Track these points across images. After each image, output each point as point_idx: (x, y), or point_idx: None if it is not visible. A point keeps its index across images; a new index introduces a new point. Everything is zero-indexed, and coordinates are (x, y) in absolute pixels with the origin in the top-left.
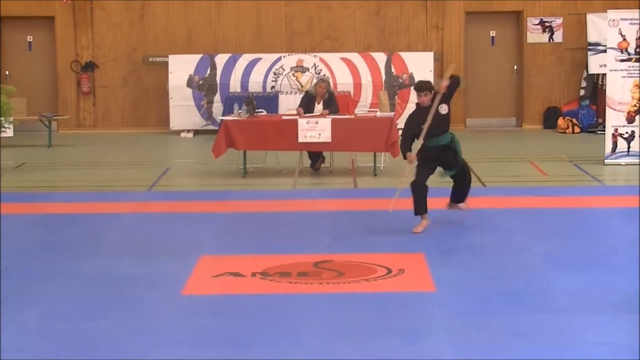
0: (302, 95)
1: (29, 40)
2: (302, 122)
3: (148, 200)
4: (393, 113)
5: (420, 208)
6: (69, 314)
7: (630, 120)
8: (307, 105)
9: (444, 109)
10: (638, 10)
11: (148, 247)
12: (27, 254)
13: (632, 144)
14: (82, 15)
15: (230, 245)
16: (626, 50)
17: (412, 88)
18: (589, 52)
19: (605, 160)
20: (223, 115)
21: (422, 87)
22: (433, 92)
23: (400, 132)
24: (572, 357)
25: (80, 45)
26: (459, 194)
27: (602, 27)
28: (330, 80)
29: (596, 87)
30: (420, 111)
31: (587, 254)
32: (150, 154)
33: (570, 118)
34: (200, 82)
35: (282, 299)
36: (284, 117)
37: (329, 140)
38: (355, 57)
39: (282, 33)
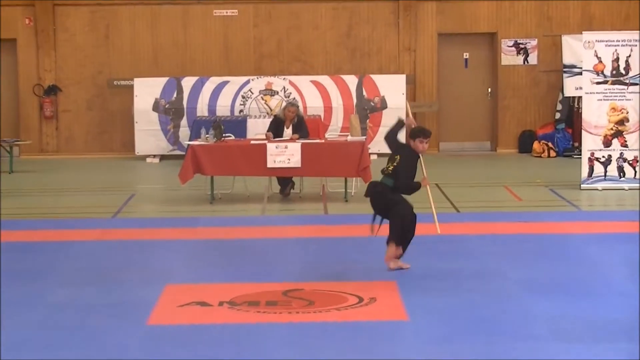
0: (271, 119)
1: None
2: (271, 147)
3: (112, 228)
4: (364, 137)
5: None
6: (31, 345)
7: (607, 144)
8: (276, 129)
9: None
10: (615, 32)
11: (112, 275)
12: None
13: (608, 168)
14: (45, 36)
15: (197, 273)
16: (602, 72)
17: (413, 133)
18: (565, 75)
19: (582, 185)
20: (190, 139)
21: (428, 133)
22: None
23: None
24: None
25: (42, 68)
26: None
27: (577, 48)
28: (300, 104)
29: (572, 110)
30: (414, 159)
31: (564, 280)
32: (115, 179)
33: (545, 142)
34: (167, 106)
35: (250, 329)
36: (252, 142)
37: (299, 165)
38: (326, 80)
39: (250, 55)
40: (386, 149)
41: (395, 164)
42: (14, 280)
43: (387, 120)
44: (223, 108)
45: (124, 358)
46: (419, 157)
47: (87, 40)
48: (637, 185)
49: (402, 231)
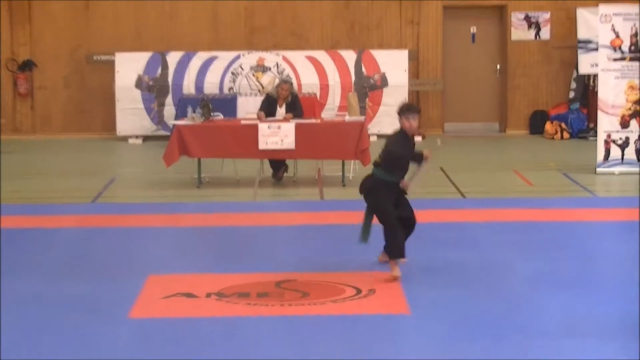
0: (262, 98)
1: None
2: (262, 127)
3: (92, 214)
4: (363, 117)
5: (402, 249)
6: (5, 340)
7: (625, 125)
8: (268, 108)
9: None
10: (633, 4)
11: (92, 265)
12: None
13: (626, 151)
14: (19, 7)
15: (183, 263)
16: (619, 48)
17: (397, 111)
18: (579, 51)
19: (597, 169)
20: (175, 119)
21: (414, 108)
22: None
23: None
24: None
25: (17, 41)
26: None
27: (593, 22)
28: (294, 81)
29: (587, 89)
30: (406, 141)
31: (577, 272)
32: (95, 162)
33: (558, 122)
34: (151, 83)
35: (239, 323)
36: (242, 122)
37: (293, 147)
38: (322, 56)
39: (241, 29)
40: (388, 130)
41: (382, 150)
42: None
43: (388, 99)
44: (211, 85)
45: (103, 355)
46: (410, 137)
47: (64, 11)
48: None
49: (396, 241)
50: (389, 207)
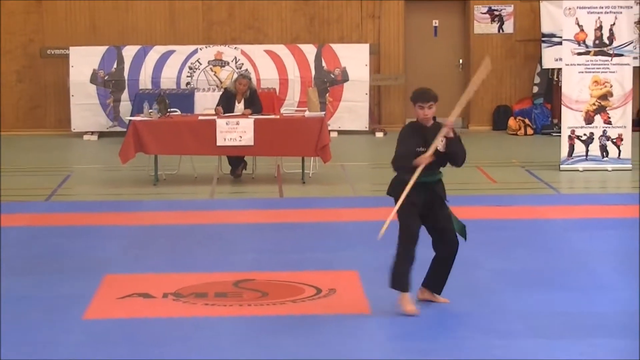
0: (220, 93)
1: None
2: (221, 123)
3: (46, 212)
4: (324, 113)
5: (405, 279)
6: None
7: (589, 120)
8: (226, 104)
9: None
10: None
11: (45, 265)
12: None
13: (590, 147)
14: None
15: (139, 262)
16: (584, 42)
17: (411, 98)
18: (543, 44)
19: (561, 166)
20: (132, 115)
21: (429, 95)
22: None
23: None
24: None
25: None
26: (439, 274)
27: (557, 16)
28: (253, 76)
29: (551, 84)
30: (415, 135)
31: (542, 271)
32: (49, 159)
33: (522, 118)
34: (106, 78)
35: (197, 323)
36: (200, 118)
37: (252, 143)
38: (282, 50)
39: (198, 22)
40: (348, 126)
41: None
42: None
43: (349, 94)
44: (168, 80)
45: (56, 356)
46: (424, 127)
47: (16, 4)
48: (621, 166)
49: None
50: (411, 220)
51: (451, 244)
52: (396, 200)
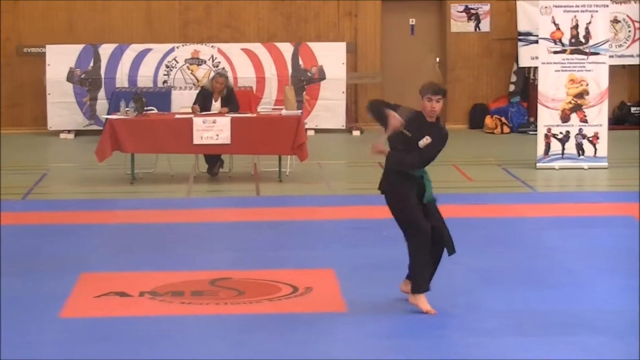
0: (197, 91)
1: None
2: (197, 122)
3: (22, 211)
4: (301, 111)
5: (428, 282)
6: None
7: (565, 119)
8: (203, 102)
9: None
10: None
11: (21, 263)
12: None
13: (566, 145)
14: None
15: (116, 261)
16: (560, 41)
17: (420, 90)
18: (520, 43)
19: (538, 164)
20: (108, 113)
21: (438, 89)
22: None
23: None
24: None
25: None
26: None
27: (533, 14)
28: (230, 74)
29: (527, 82)
30: (415, 120)
31: (518, 268)
32: (25, 157)
33: (498, 116)
34: (83, 76)
35: (174, 322)
36: (177, 116)
37: (228, 141)
38: (258, 48)
39: (175, 20)
40: (325, 124)
41: None
42: None
43: (326, 93)
44: (145, 79)
45: (32, 356)
46: (425, 121)
47: None
48: (597, 164)
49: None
50: (419, 216)
51: (440, 243)
52: (391, 194)
